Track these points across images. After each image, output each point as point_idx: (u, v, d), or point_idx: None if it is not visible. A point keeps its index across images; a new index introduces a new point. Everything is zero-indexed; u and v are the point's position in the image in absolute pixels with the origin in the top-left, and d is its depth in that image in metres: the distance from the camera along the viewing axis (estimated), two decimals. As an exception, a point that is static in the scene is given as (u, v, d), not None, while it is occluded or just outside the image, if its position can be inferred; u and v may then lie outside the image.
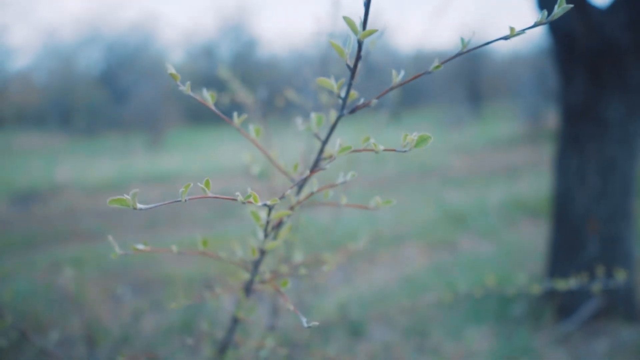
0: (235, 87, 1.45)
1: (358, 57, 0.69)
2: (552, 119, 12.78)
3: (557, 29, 2.78)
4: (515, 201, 5.95)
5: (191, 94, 0.78)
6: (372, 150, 0.73)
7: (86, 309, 3.25)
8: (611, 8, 2.60)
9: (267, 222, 0.80)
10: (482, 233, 4.97)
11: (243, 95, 1.44)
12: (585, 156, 2.79)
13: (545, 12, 0.66)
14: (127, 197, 0.61)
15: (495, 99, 19.72)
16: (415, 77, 0.71)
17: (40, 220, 6.40)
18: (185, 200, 0.62)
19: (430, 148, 11.00)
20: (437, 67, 0.70)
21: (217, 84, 1.74)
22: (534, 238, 4.60)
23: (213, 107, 0.82)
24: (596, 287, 1.63)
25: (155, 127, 13.41)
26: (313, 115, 0.83)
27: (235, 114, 0.88)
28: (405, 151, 0.69)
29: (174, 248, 0.85)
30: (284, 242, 1.37)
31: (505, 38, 0.68)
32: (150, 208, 0.60)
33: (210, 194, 0.66)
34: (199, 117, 15.53)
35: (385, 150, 0.72)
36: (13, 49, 20.07)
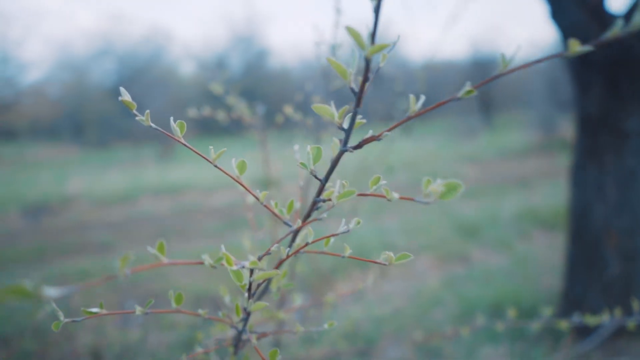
0: (233, 102, 1.40)
1: (365, 80, 0.56)
2: (565, 128, 12.63)
3: (572, 38, 2.71)
4: (528, 212, 5.84)
5: (152, 125, 0.69)
6: (381, 196, 0.62)
7: (93, 324, 3.20)
8: (629, 16, 2.53)
9: (250, 283, 0.69)
10: (495, 245, 4.87)
11: (242, 111, 1.38)
12: (603, 168, 2.70)
13: (575, 43, 0.55)
14: (26, 284, 0.45)
15: (507, 108, 19.56)
16: (440, 104, 0.60)
17: (50, 232, 6.39)
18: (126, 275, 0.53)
19: (442, 158, 10.90)
20: (470, 92, 0.58)
21: (225, 98, 1.70)
22: (549, 250, 4.49)
23: (182, 141, 0.71)
24: (631, 323, 1.51)
25: (166, 139, 13.46)
26: (309, 148, 0.69)
27: (211, 148, 0.77)
28: (427, 203, 0.56)
29: (138, 310, 0.75)
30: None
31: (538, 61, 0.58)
32: (62, 295, 0.45)
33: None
34: (209, 128, 15.57)
35: (401, 198, 0.60)
36: (26, 63, 20.33)
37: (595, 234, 2.76)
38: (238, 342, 0.78)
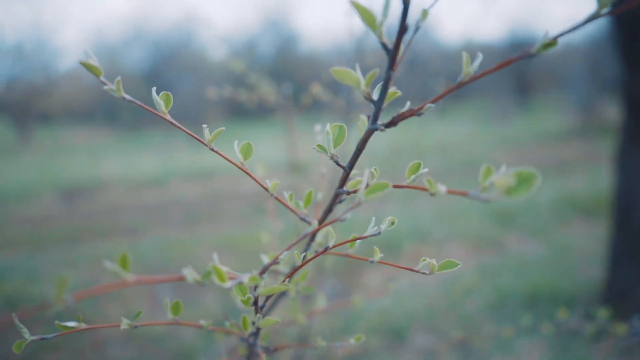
0: (255, 81, 1.32)
1: (402, 30, 0.42)
2: (607, 111, 12.14)
3: (621, 14, 2.53)
4: (567, 199, 5.62)
5: (126, 96, 0.60)
6: (422, 189, 0.48)
7: (119, 313, 3.23)
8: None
9: (256, 298, 0.58)
10: (531, 232, 4.71)
11: (265, 90, 1.30)
12: (652, 153, 2.54)
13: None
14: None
15: (544, 90, 18.95)
16: (508, 63, 0.48)
17: (84, 215, 6.51)
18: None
19: (475, 142, 10.63)
20: (550, 44, 0.45)
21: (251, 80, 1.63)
22: (588, 239, 4.31)
23: (167, 117, 0.62)
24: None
25: (196, 124, 13.53)
26: (328, 127, 0.55)
27: (205, 126, 0.67)
28: (487, 200, 0.41)
29: (124, 323, 0.65)
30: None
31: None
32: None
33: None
34: (239, 112, 15.61)
35: (450, 192, 0.46)
36: (62, 49, 20.73)
37: (641, 223, 2.61)
38: (251, 355, 0.69)
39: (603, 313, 1.39)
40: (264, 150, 10.03)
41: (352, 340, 0.71)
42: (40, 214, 6.62)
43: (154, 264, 4.26)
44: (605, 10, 0.42)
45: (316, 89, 1.27)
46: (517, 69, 17.36)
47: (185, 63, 18.00)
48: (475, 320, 2.94)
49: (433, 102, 0.49)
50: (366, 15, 0.42)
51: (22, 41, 15.11)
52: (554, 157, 8.79)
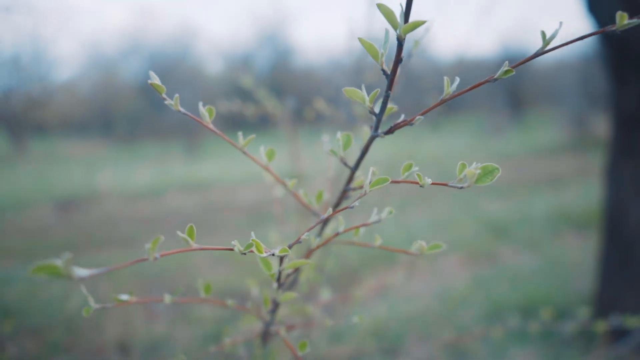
0: (263, 97, 1.38)
1: (397, 60, 0.54)
2: (598, 125, 12.30)
3: (609, 32, 2.61)
4: (560, 212, 5.69)
5: (181, 109, 0.68)
6: (414, 182, 0.61)
7: (120, 317, 3.25)
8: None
9: (279, 273, 0.67)
10: (525, 244, 4.76)
11: (271, 106, 1.36)
12: (640, 166, 2.61)
13: (624, 15, 0.52)
14: (58, 263, 0.45)
15: (538, 105, 19.16)
16: (477, 86, 0.59)
17: (80, 226, 6.52)
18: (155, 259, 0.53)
19: (470, 155, 10.73)
20: (508, 72, 0.55)
21: (253, 94, 1.69)
22: (581, 251, 4.37)
23: (212, 127, 0.71)
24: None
25: (193, 135, 13.62)
26: (339, 135, 0.67)
27: (240, 134, 0.77)
28: (461, 187, 0.56)
29: (167, 298, 0.74)
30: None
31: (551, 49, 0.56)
32: (92, 275, 0.46)
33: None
34: (236, 124, 15.71)
35: (434, 184, 0.60)
36: (58, 60, 20.80)
37: (630, 234, 2.67)
38: (266, 334, 0.77)
39: (583, 312, 1.44)
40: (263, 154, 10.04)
41: (355, 318, 0.79)
42: (35, 225, 6.62)
43: (150, 275, 4.28)
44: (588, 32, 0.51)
45: (319, 104, 1.33)
46: (511, 84, 17.56)
47: (182, 76, 18.10)
48: (470, 330, 2.98)
49: (422, 114, 0.60)
50: (371, 50, 0.54)
51: (19, 52, 15.16)
52: (547, 171, 8.89)
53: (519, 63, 0.55)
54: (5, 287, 3.96)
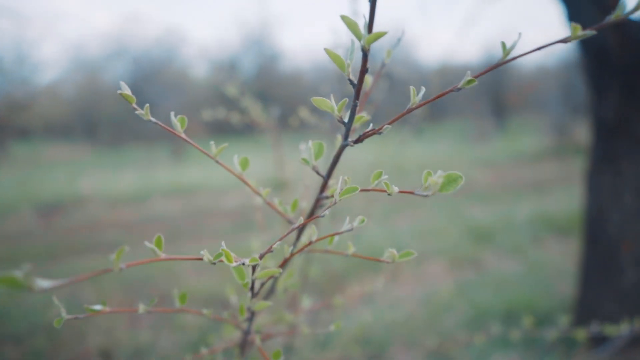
0: (247, 104, 1.38)
1: (363, 70, 0.56)
2: (580, 133, 12.50)
3: (589, 42, 2.67)
4: (542, 217, 5.77)
5: (152, 119, 0.66)
6: (382, 190, 0.61)
7: (103, 324, 3.21)
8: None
9: (253, 282, 0.66)
10: (508, 250, 4.82)
11: (256, 113, 1.36)
12: (619, 174, 2.66)
13: (577, 27, 0.55)
14: (18, 275, 0.43)
15: (521, 112, 19.40)
16: (442, 95, 0.60)
17: (63, 231, 6.44)
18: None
19: (454, 161, 10.83)
20: (470, 81, 0.57)
21: (238, 101, 1.69)
22: (563, 256, 4.43)
23: (184, 136, 0.69)
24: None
25: (177, 140, 13.51)
26: (310, 144, 0.68)
27: (212, 143, 0.76)
28: (426, 195, 0.56)
29: (141, 308, 0.72)
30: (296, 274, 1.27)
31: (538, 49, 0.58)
32: (54, 286, 0.45)
33: (163, 256, 0.56)
34: (221, 129, 15.64)
35: (401, 192, 0.60)
36: (41, 63, 20.56)
37: (610, 240, 2.72)
38: (244, 343, 0.76)
39: (564, 320, 1.47)
40: (250, 168, 10.03)
41: (332, 327, 0.78)
42: (17, 230, 6.53)
43: (134, 281, 4.24)
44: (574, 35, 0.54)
45: (303, 113, 1.34)
46: (494, 91, 17.77)
47: (167, 79, 18.01)
48: (453, 336, 3.00)
49: (390, 123, 0.61)
50: (338, 60, 0.56)
51: (1, 55, 14.96)
52: (530, 177, 9.00)
53: (480, 74, 0.57)
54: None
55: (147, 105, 0.63)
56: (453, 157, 11.54)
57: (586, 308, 2.84)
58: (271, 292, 0.83)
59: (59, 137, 16.92)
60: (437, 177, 0.55)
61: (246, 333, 0.74)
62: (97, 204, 7.99)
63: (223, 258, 0.56)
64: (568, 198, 6.50)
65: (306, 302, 0.98)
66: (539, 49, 0.59)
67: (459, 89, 0.60)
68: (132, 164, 12.34)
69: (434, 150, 12.04)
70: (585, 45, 2.69)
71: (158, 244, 0.57)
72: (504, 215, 6.13)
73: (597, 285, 2.79)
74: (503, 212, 6.33)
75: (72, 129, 17.25)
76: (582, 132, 11.75)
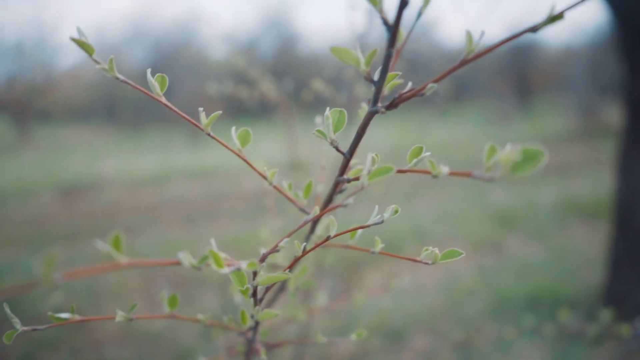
0: (256, 77, 1.30)
1: (402, 5, 0.41)
2: (608, 114, 12.13)
3: (624, 15, 2.51)
4: (568, 202, 5.60)
5: (119, 76, 0.58)
6: (425, 172, 0.47)
7: (120, 306, 3.21)
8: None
9: (254, 289, 0.56)
10: (531, 235, 4.69)
11: (266, 86, 1.28)
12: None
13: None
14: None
15: (546, 93, 18.92)
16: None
17: (84, 214, 6.50)
18: None
19: (476, 143, 10.60)
20: (558, 17, 0.42)
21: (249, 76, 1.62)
22: (589, 242, 4.29)
23: (163, 100, 0.58)
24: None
25: (198, 121, 13.52)
26: (328, 113, 0.52)
27: (202, 111, 0.64)
28: (491, 178, 0.40)
29: (119, 315, 0.64)
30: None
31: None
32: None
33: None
34: (240, 111, 15.61)
35: (452, 174, 0.45)
36: (62, 47, 20.72)
37: (643, 226, 2.60)
38: (249, 352, 0.67)
39: (606, 315, 1.37)
40: (266, 150, 10.04)
41: (353, 336, 0.68)
42: (39, 213, 6.60)
43: (152, 269, 4.25)
44: None
45: (317, 85, 1.25)
46: (518, 70, 17.35)
47: (187, 62, 18.00)
48: (476, 323, 2.92)
49: (435, 81, 0.48)
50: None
51: (22, 39, 15.09)
52: (555, 160, 8.76)
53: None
54: (8, 275, 3.94)
55: (112, 56, 0.54)
56: (475, 139, 11.32)
57: (615, 295, 2.74)
58: (282, 289, 0.75)
59: (80, 120, 17.09)
60: (509, 153, 0.39)
61: (250, 341, 0.66)
62: (118, 187, 8.04)
63: (211, 262, 0.44)
64: (595, 182, 6.30)
65: (322, 299, 0.89)
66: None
67: (537, 29, 0.46)
68: (152, 146, 12.40)
69: (456, 132, 11.82)
70: (619, 18, 2.54)
71: (116, 245, 0.43)
72: (528, 199, 5.98)
73: (627, 272, 2.67)
74: (526, 195, 6.17)
75: (92, 112, 17.41)
76: (611, 114, 11.41)
